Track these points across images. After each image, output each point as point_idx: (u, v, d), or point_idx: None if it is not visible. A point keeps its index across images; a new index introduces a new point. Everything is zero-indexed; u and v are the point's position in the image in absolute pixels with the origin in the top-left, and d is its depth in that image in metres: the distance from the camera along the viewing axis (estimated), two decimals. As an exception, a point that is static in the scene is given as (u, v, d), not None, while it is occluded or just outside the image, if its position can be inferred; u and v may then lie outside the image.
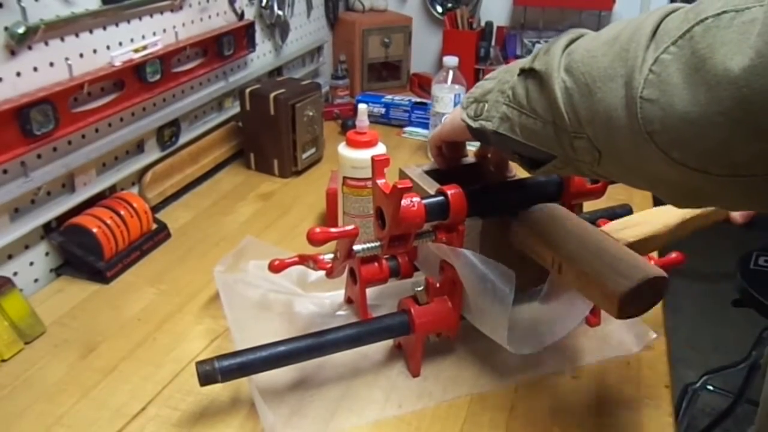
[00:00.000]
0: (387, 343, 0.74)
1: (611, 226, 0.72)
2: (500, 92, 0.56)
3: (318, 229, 0.65)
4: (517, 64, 0.56)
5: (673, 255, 0.77)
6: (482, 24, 1.69)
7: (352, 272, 0.79)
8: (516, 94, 0.54)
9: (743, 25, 0.35)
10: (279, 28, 1.40)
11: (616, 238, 0.64)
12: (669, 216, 0.71)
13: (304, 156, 1.22)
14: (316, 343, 0.65)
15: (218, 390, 0.68)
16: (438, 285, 0.70)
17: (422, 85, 1.67)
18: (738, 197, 0.40)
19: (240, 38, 1.24)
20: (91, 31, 0.90)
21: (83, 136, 0.93)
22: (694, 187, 0.41)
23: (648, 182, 0.46)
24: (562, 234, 0.64)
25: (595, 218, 0.87)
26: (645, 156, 0.42)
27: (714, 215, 0.73)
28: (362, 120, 0.92)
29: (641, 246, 0.68)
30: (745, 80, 0.34)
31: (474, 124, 0.59)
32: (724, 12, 0.37)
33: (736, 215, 0.74)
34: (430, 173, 0.75)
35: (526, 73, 0.53)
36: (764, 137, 0.35)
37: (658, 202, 0.64)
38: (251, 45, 1.27)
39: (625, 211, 0.94)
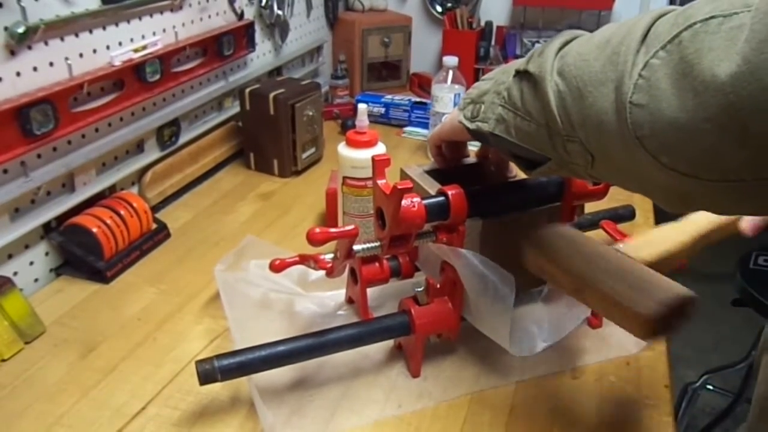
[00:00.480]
0: (387, 344, 0.74)
1: (626, 247, 0.70)
2: (496, 93, 0.56)
3: (318, 230, 0.65)
4: (513, 65, 0.56)
5: (676, 258, 0.78)
6: (482, 24, 1.69)
7: (353, 272, 0.79)
8: (511, 95, 0.54)
9: (731, 31, 0.35)
10: (279, 28, 1.40)
11: (634, 259, 0.62)
12: (683, 233, 0.70)
13: (304, 156, 1.22)
14: (316, 343, 0.65)
15: (218, 389, 0.68)
16: (438, 286, 0.70)
17: (422, 84, 1.67)
18: (729, 202, 0.40)
19: (240, 38, 1.24)
20: (90, 31, 0.90)
21: (83, 136, 0.93)
22: (685, 191, 0.41)
23: (641, 186, 0.46)
24: (579, 257, 0.61)
25: (597, 219, 0.87)
26: (636, 160, 0.42)
27: (726, 229, 0.72)
28: (362, 120, 0.92)
29: (660, 265, 0.65)
30: (732, 87, 0.34)
31: (471, 126, 0.59)
32: (712, 17, 0.36)
33: (746, 228, 0.72)
34: (431, 173, 0.75)
35: (521, 75, 0.53)
36: (751, 144, 0.35)
37: (657, 203, 0.63)
38: (251, 45, 1.27)
39: (627, 212, 0.94)
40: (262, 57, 1.39)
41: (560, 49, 0.50)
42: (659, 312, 0.52)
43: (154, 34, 1.02)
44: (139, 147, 1.05)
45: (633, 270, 0.58)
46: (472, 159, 0.78)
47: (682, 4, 0.43)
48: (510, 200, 0.71)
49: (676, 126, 0.38)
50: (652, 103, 0.39)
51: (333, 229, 0.65)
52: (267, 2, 1.33)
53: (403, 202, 0.62)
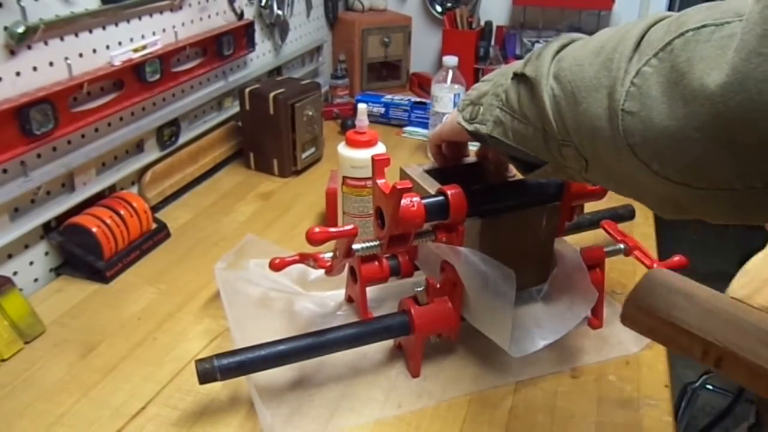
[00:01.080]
0: (387, 343, 0.74)
1: (737, 291, 0.61)
2: (494, 95, 0.56)
3: (317, 229, 0.65)
4: (512, 67, 0.56)
5: (676, 258, 0.78)
6: (482, 23, 1.69)
7: (352, 271, 0.79)
8: (509, 98, 0.54)
9: (722, 40, 0.35)
10: (278, 28, 1.40)
11: (757, 307, 0.54)
12: None
13: (304, 156, 1.22)
14: (316, 343, 0.65)
15: (218, 389, 0.68)
16: (438, 285, 0.70)
17: (422, 84, 1.67)
18: (722, 210, 0.40)
19: (239, 38, 1.24)
20: (90, 31, 0.90)
21: (83, 136, 0.93)
22: (677, 199, 0.41)
23: (634, 192, 0.46)
24: (706, 316, 0.51)
25: (597, 219, 0.87)
26: (628, 167, 0.42)
27: None
28: (362, 120, 0.92)
29: None
30: (721, 97, 0.34)
31: (469, 128, 0.60)
32: (704, 26, 0.36)
33: None
34: (430, 173, 0.75)
35: (518, 77, 0.53)
36: (740, 153, 0.35)
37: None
38: (251, 45, 1.27)
39: (627, 211, 0.94)
40: (261, 57, 1.39)
41: (557, 52, 0.50)
42: None
43: (153, 33, 1.02)
44: (138, 147, 1.05)
45: None
46: (472, 159, 0.78)
47: (680, 7, 0.43)
48: (509, 200, 0.71)
49: (666, 134, 0.38)
50: (643, 111, 0.39)
51: (332, 229, 0.65)
52: (267, 2, 1.33)
53: (403, 202, 0.62)
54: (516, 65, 0.55)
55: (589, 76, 0.44)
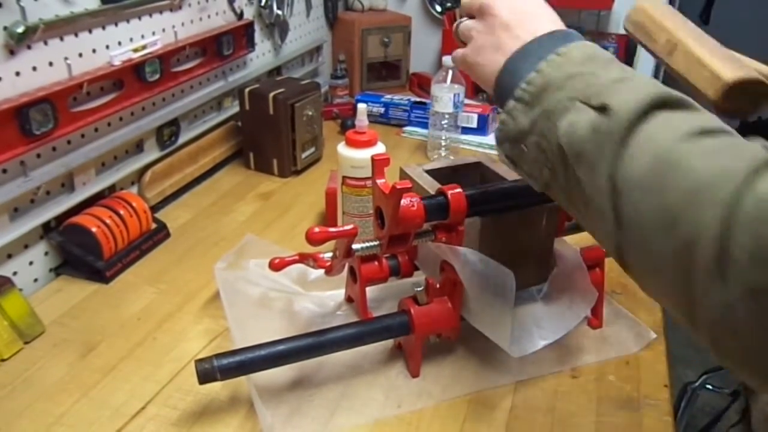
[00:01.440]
0: (387, 343, 0.74)
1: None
2: (539, 149, 0.48)
3: (317, 229, 0.65)
4: (550, 103, 0.47)
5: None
6: (482, 23, 1.69)
7: (352, 271, 0.79)
8: (557, 174, 0.47)
9: None
10: (278, 28, 1.40)
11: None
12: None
13: (304, 155, 1.22)
14: (315, 343, 0.65)
15: (218, 389, 0.68)
16: (438, 285, 0.70)
17: (422, 84, 1.67)
18: None
19: (239, 38, 1.24)
20: (90, 31, 0.90)
21: (83, 136, 0.92)
22: None
23: None
24: (680, 22, 0.60)
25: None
26: None
27: None
28: (361, 119, 0.92)
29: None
30: None
31: (515, 170, 0.53)
32: None
33: None
34: (431, 173, 0.75)
35: (567, 166, 0.45)
36: None
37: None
38: (250, 44, 1.27)
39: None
40: (261, 57, 1.39)
41: (614, 163, 0.41)
42: (736, 77, 0.51)
43: (153, 33, 1.02)
44: (138, 147, 1.05)
45: (729, 51, 0.56)
46: (472, 159, 0.78)
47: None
48: (509, 200, 0.71)
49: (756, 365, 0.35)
50: (731, 343, 0.35)
51: (332, 229, 0.65)
52: (266, 2, 1.33)
53: (403, 202, 0.62)
54: (554, 104, 0.46)
55: (658, 259, 0.38)
